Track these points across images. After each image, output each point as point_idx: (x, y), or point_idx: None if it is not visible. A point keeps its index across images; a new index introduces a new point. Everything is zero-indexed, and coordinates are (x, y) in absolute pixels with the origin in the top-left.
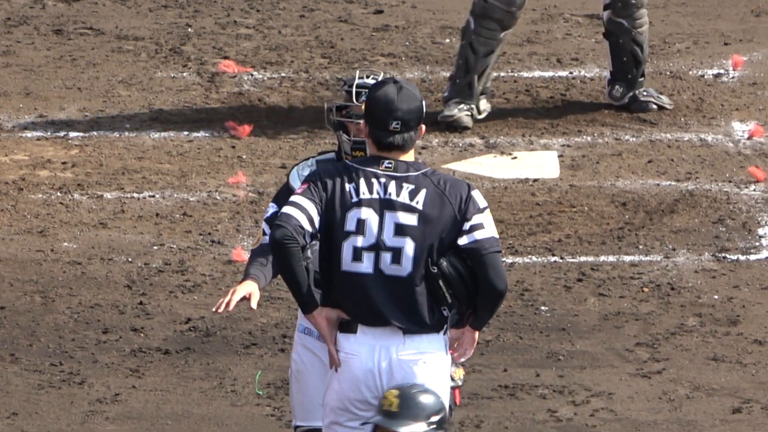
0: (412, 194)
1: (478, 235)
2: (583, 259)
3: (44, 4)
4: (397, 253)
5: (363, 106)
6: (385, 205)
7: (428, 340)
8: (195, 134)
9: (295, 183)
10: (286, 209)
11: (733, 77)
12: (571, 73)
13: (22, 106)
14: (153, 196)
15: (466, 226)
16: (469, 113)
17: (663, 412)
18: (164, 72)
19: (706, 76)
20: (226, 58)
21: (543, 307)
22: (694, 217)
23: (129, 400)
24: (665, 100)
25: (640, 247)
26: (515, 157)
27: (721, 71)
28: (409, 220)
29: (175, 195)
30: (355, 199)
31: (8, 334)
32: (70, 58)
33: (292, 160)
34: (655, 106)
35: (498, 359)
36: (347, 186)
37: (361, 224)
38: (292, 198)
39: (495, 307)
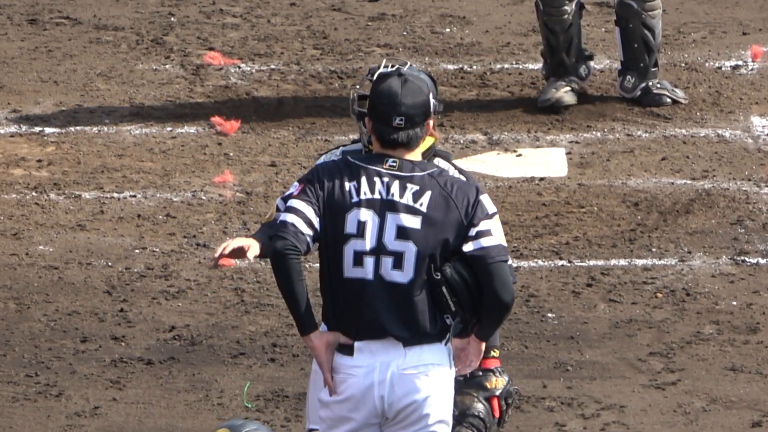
0: (416, 196)
1: (484, 242)
2: (592, 263)
3: None
4: (398, 258)
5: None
6: (387, 206)
7: (430, 351)
8: (179, 130)
9: None
10: (284, 216)
11: (752, 69)
12: None
13: None
14: (134, 197)
15: (473, 231)
16: (568, 89)
17: (678, 425)
18: (146, 64)
19: (723, 68)
20: (211, 49)
21: (550, 314)
22: (711, 217)
23: (109, 414)
24: (680, 93)
25: (654, 250)
26: (520, 155)
27: (740, 63)
28: (412, 222)
29: (158, 195)
30: (355, 199)
31: None
32: (45, 50)
33: (282, 157)
34: (669, 100)
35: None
36: (347, 185)
37: (361, 226)
38: (290, 202)
39: (501, 319)
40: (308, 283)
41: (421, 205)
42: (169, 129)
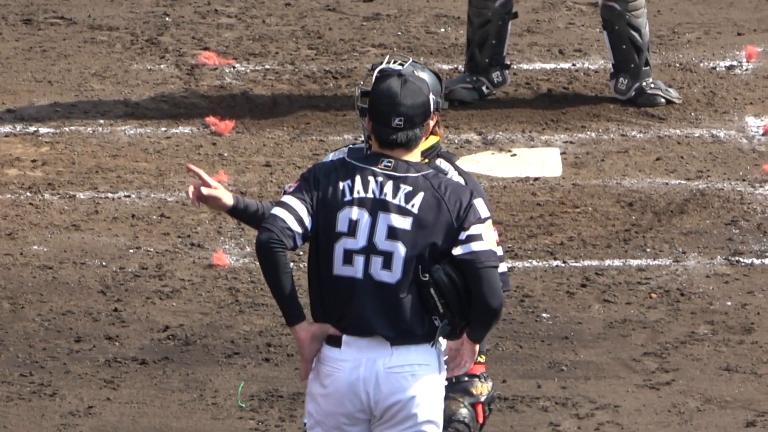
0: (409, 197)
1: (474, 246)
2: (587, 263)
3: None
4: (388, 258)
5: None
6: (379, 206)
7: (417, 352)
8: (173, 130)
9: None
10: (274, 210)
11: (746, 69)
12: (574, 64)
13: None
14: (128, 197)
15: (463, 235)
16: (469, 86)
17: (672, 425)
18: (140, 64)
19: (718, 69)
20: (206, 49)
21: (544, 315)
22: (706, 218)
23: (103, 413)
24: (674, 93)
25: (648, 250)
26: (515, 155)
27: (734, 63)
28: (403, 223)
29: (152, 195)
30: (348, 198)
31: None
32: (40, 49)
33: (277, 157)
34: (663, 100)
35: (497, 370)
36: (341, 184)
37: (353, 225)
38: (283, 198)
39: (489, 324)
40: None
41: (412, 206)
42: (163, 129)
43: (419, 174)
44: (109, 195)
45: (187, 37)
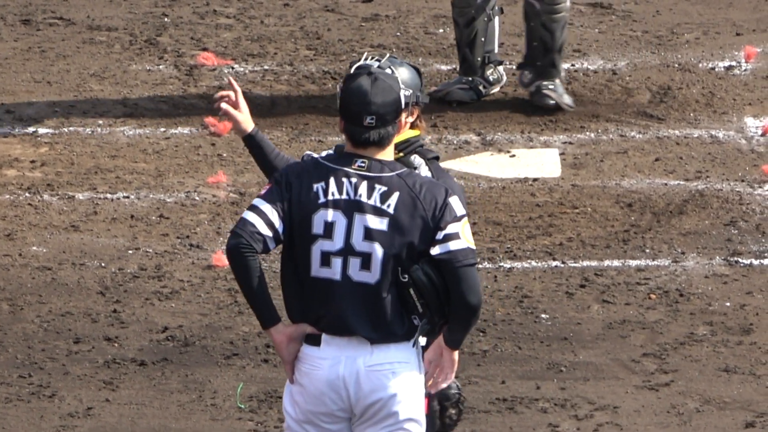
0: (384, 197)
1: (452, 245)
2: (586, 263)
3: None
4: (366, 259)
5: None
6: (354, 207)
7: (397, 350)
8: (172, 131)
9: None
10: (245, 214)
11: (745, 70)
12: (573, 65)
13: None
14: (127, 197)
15: (440, 235)
16: (465, 86)
17: (671, 426)
18: (139, 65)
19: (717, 69)
20: (205, 49)
21: (543, 315)
22: (705, 218)
23: (102, 415)
24: (567, 100)
25: (647, 250)
26: (514, 155)
27: (733, 63)
28: (379, 224)
29: (151, 196)
30: (322, 200)
31: None
32: (38, 50)
33: None
34: (552, 102)
35: (496, 370)
36: (315, 186)
37: (329, 227)
38: (254, 201)
39: (468, 323)
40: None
41: (388, 206)
42: (162, 129)
43: (394, 173)
44: (108, 196)
45: (185, 37)
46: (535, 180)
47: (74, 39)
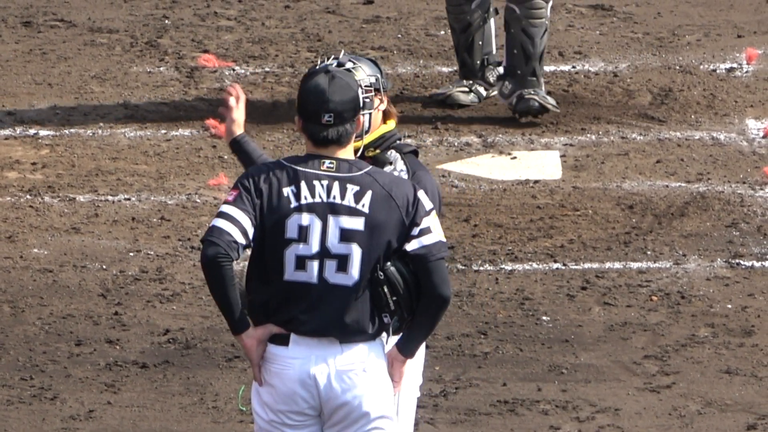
0: (358, 196)
1: (426, 240)
2: (587, 265)
3: None
4: (343, 261)
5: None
6: (328, 209)
7: (367, 348)
8: (173, 133)
9: None
10: (217, 222)
11: (747, 72)
12: (574, 67)
13: None
14: (128, 199)
15: (415, 230)
16: (466, 90)
17: (673, 429)
18: (140, 67)
19: (718, 71)
20: (206, 51)
21: (545, 317)
22: (706, 220)
23: (104, 417)
24: (551, 100)
25: (648, 252)
26: (515, 157)
27: (735, 65)
28: (355, 224)
29: (152, 198)
30: (294, 204)
31: None
32: (39, 52)
33: None
34: (537, 104)
35: (497, 373)
36: (285, 190)
37: (303, 231)
38: (224, 208)
39: (436, 318)
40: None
41: (363, 206)
42: (163, 131)
43: (363, 171)
44: (109, 198)
45: (186, 39)
46: (536, 182)
47: (75, 41)
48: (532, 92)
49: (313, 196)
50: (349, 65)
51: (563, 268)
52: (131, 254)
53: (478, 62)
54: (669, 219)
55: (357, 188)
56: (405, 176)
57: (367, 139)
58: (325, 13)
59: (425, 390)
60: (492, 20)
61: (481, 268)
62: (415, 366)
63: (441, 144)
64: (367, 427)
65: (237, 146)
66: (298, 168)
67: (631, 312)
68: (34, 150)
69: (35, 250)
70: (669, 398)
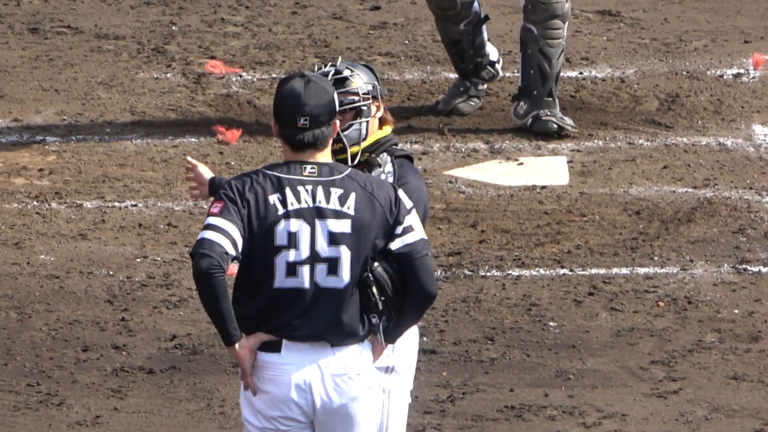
0: (342, 199)
1: (409, 238)
2: (594, 271)
3: (19, 1)
4: (333, 264)
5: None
6: (315, 214)
7: (357, 351)
8: (180, 139)
9: None
10: (207, 234)
11: (754, 77)
12: (581, 73)
13: None
14: (135, 206)
15: (399, 229)
16: (465, 97)
17: None
18: (147, 73)
19: (725, 76)
20: (212, 57)
21: (552, 323)
22: (713, 226)
23: (111, 423)
24: (568, 121)
25: (655, 258)
26: (522, 163)
27: (742, 71)
28: (342, 227)
29: (159, 204)
30: (282, 211)
31: None
32: (46, 58)
33: None
34: (555, 126)
35: (504, 378)
36: (271, 198)
37: (292, 237)
38: (211, 220)
39: (422, 312)
40: None
41: (348, 208)
42: (170, 138)
43: (343, 174)
44: (116, 204)
45: (193, 45)
46: (543, 188)
47: (82, 47)
48: (549, 113)
49: (299, 201)
50: (346, 72)
51: (570, 273)
52: (138, 260)
53: (471, 66)
54: (676, 225)
55: (341, 191)
56: (390, 178)
57: (364, 144)
58: (332, 19)
59: (432, 395)
60: (483, 27)
61: (488, 274)
62: (406, 371)
63: (448, 150)
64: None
65: (215, 185)
66: (281, 175)
67: (638, 317)
68: (41, 156)
69: (42, 257)
70: (676, 404)
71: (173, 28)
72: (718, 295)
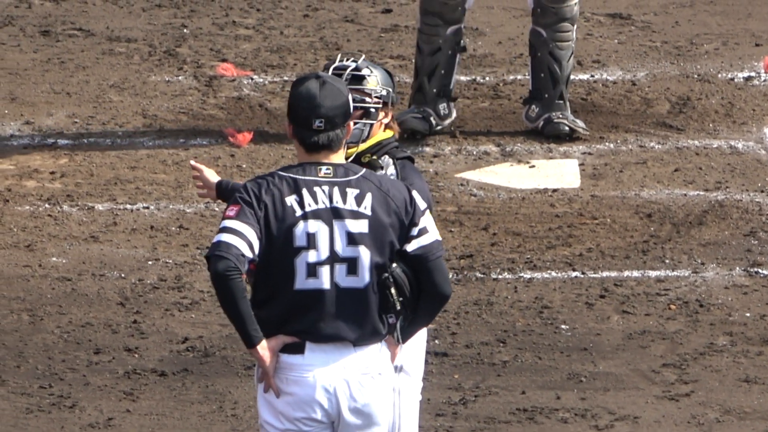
0: (359, 199)
1: (425, 240)
2: (605, 274)
3: (30, 4)
4: (352, 264)
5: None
6: (333, 215)
7: (377, 350)
8: (191, 142)
9: None
10: (223, 237)
11: (764, 80)
12: (592, 76)
13: (7, 112)
14: (147, 208)
15: (414, 231)
16: (419, 116)
17: None
18: (158, 76)
19: (736, 80)
20: (224, 60)
21: (563, 326)
22: (724, 229)
23: (123, 425)
24: (580, 124)
25: (667, 261)
26: (533, 166)
27: (752, 74)
28: (360, 227)
29: (171, 206)
30: (299, 213)
31: None
32: (58, 61)
33: None
34: (567, 128)
35: (516, 381)
36: (288, 199)
37: (311, 238)
38: (227, 223)
39: (436, 313)
40: None
41: (365, 208)
42: (182, 140)
43: (358, 175)
44: (128, 206)
45: (205, 48)
46: (554, 190)
47: (94, 50)
48: (561, 116)
49: (316, 202)
50: (365, 72)
51: (582, 276)
52: (150, 263)
53: (435, 90)
54: (687, 227)
55: (357, 191)
56: None
57: (364, 146)
58: (344, 22)
59: (444, 398)
60: (458, 56)
61: (500, 277)
62: (415, 371)
63: (460, 153)
64: (377, 430)
65: (222, 188)
66: (297, 177)
67: (649, 320)
68: (52, 159)
69: (54, 259)
70: (688, 406)
71: (185, 30)
72: (729, 298)
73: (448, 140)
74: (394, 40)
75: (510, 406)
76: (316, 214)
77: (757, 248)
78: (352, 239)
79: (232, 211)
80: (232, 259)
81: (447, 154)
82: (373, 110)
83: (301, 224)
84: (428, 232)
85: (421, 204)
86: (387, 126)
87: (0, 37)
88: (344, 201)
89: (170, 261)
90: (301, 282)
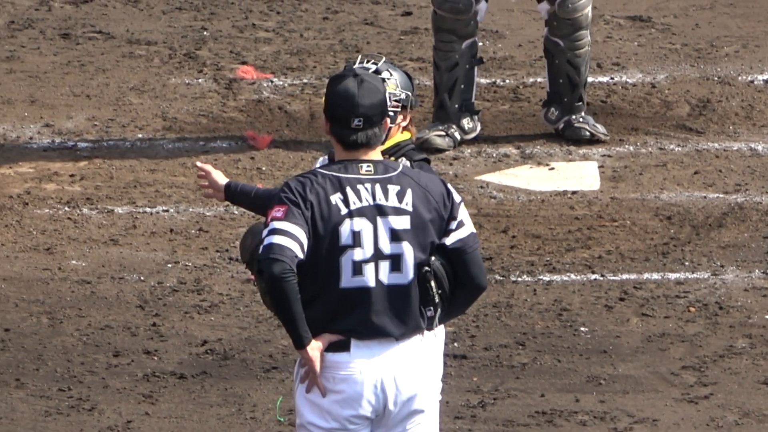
0: (400, 196)
1: (462, 233)
2: (625, 276)
3: (50, 6)
4: (396, 260)
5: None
6: (376, 212)
7: (419, 343)
8: (211, 145)
9: None
10: (275, 239)
11: None
12: (612, 78)
13: (27, 114)
14: (167, 211)
15: (453, 224)
16: (442, 134)
17: None
18: (178, 78)
19: (756, 82)
20: (244, 63)
21: (583, 328)
22: (744, 231)
23: (142, 428)
24: (600, 129)
25: (686, 263)
26: (553, 168)
27: None
28: (402, 223)
29: (191, 209)
30: (345, 211)
31: (13, 357)
32: (78, 64)
33: None
34: (588, 134)
35: (535, 383)
36: (332, 198)
37: (356, 236)
38: (276, 225)
39: (471, 304)
40: None
41: (406, 204)
42: (201, 143)
43: (398, 171)
44: (148, 209)
45: (225, 51)
46: (574, 193)
47: (113, 53)
48: (582, 119)
49: (360, 200)
50: (385, 74)
51: (601, 279)
52: (169, 265)
53: (456, 106)
54: (707, 230)
55: (398, 188)
56: None
57: (382, 148)
58: (364, 24)
59: (463, 401)
60: (476, 69)
61: (519, 279)
62: (437, 370)
63: (479, 155)
64: (414, 422)
65: (231, 190)
66: (340, 175)
67: (668, 323)
68: (72, 162)
69: (73, 262)
70: (707, 409)
71: (205, 33)
72: (749, 300)
73: (467, 142)
74: (414, 43)
75: (529, 409)
76: (360, 212)
77: None
78: (395, 236)
79: (279, 211)
80: (288, 262)
81: (467, 156)
82: (391, 114)
83: (346, 222)
84: (465, 225)
85: (457, 197)
86: (405, 128)
87: (20, 40)
88: (386, 198)
89: (189, 264)
90: (347, 280)
